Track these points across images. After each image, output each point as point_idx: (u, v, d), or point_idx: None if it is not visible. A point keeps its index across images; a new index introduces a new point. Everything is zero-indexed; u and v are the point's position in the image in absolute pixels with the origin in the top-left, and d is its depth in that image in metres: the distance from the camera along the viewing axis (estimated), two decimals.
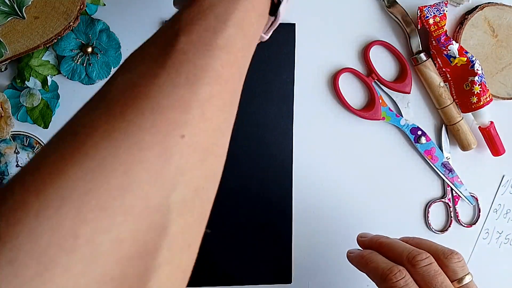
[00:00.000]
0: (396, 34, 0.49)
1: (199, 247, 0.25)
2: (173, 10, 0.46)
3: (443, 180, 0.51)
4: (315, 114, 0.49)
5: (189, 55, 0.24)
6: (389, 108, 0.49)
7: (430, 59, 0.49)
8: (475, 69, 0.47)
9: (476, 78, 0.47)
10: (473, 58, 0.47)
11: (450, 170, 0.51)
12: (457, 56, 0.47)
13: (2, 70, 0.44)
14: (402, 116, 0.50)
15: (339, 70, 0.49)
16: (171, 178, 0.21)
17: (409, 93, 0.49)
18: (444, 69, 0.49)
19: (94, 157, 0.20)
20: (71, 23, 0.42)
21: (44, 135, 0.46)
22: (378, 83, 0.49)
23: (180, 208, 0.22)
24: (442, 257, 0.37)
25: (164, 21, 0.46)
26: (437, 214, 0.52)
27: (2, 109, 0.44)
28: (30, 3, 0.41)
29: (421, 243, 0.40)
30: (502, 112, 0.52)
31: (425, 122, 0.51)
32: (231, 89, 0.26)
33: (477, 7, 0.49)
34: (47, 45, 0.43)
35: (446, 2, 0.47)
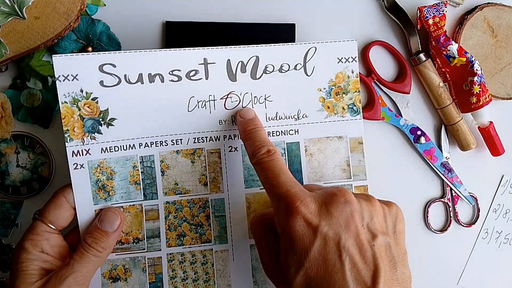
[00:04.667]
0: (395, 34, 0.49)
1: None
2: (175, 12, 0.46)
3: (443, 180, 0.51)
4: None
5: None
6: (388, 108, 0.50)
7: (429, 59, 0.49)
8: (475, 69, 0.47)
9: (476, 78, 0.47)
10: (473, 58, 0.47)
11: (450, 170, 0.51)
12: (457, 56, 0.47)
13: (3, 70, 0.44)
14: (401, 116, 0.50)
15: None
16: None
17: (408, 93, 0.50)
18: (443, 69, 0.49)
19: None
20: (71, 24, 0.42)
21: (44, 135, 0.46)
22: (378, 83, 0.49)
23: None
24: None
25: (165, 21, 0.46)
26: (436, 214, 0.52)
27: (2, 109, 0.44)
28: (30, 3, 0.41)
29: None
30: (502, 112, 0.52)
31: (425, 122, 0.51)
32: None
33: (476, 7, 0.49)
34: (48, 46, 0.43)
35: (446, 3, 0.48)
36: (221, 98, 0.42)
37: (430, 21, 0.47)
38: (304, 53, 0.42)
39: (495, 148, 0.50)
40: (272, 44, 0.42)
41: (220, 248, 0.42)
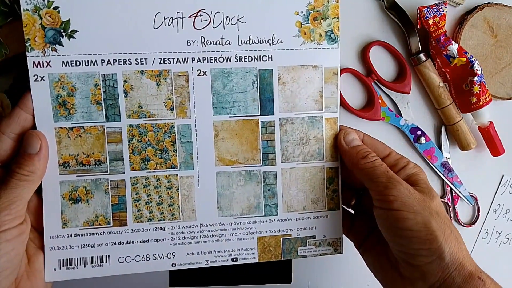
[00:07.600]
0: (395, 34, 0.49)
1: None
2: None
3: (443, 180, 0.51)
4: None
5: None
6: (388, 108, 0.50)
7: (429, 59, 0.49)
8: (475, 69, 0.47)
9: (476, 78, 0.47)
10: (473, 58, 0.47)
11: (450, 170, 0.51)
12: (457, 56, 0.47)
13: None
14: (401, 116, 0.50)
15: None
16: None
17: (408, 93, 0.50)
18: (443, 69, 0.49)
19: None
20: None
21: None
22: (378, 83, 0.49)
23: None
24: None
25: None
26: None
27: (2, 107, 0.44)
28: None
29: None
30: (502, 112, 0.52)
31: (425, 122, 0.51)
32: None
33: (476, 7, 0.49)
34: None
35: (446, 3, 0.48)
36: (189, 16, 0.39)
37: (430, 21, 0.47)
38: None
39: (495, 148, 0.50)
40: None
41: (186, 174, 0.42)
